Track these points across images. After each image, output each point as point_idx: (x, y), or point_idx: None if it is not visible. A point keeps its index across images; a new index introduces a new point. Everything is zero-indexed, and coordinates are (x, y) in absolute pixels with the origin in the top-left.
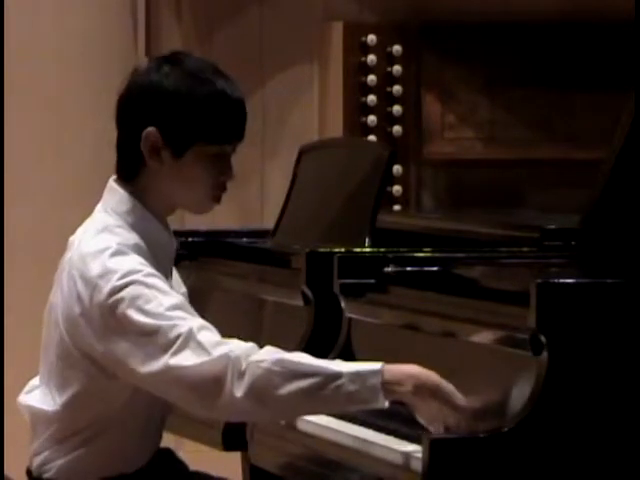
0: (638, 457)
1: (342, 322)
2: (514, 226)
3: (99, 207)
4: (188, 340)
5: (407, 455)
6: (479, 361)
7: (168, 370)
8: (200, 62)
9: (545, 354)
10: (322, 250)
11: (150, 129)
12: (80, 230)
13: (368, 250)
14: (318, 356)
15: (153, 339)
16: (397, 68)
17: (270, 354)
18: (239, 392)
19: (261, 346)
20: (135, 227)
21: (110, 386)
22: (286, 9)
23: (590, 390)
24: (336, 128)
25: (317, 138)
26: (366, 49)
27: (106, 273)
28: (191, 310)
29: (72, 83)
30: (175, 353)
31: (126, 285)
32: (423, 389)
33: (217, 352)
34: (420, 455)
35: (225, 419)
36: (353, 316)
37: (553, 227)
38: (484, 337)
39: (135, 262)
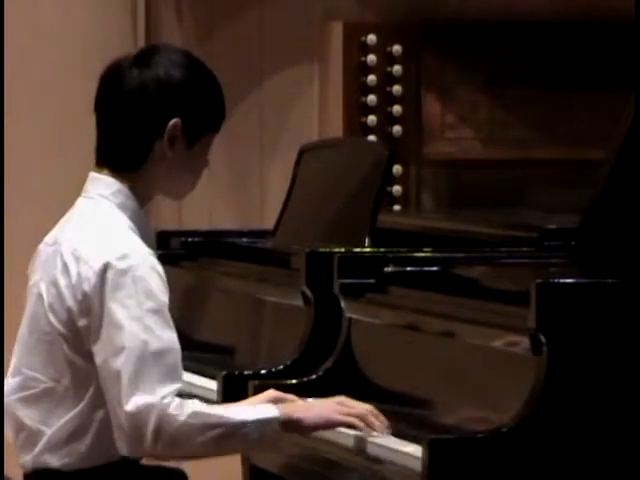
0: (638, 457)
1: (342, 322)
2: (514, 226)
3: (80, 199)
4: (145, 361)
5: (407, 455)
6: (479, 361)
7: (115, 376)
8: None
9: (545, 354)
10: (322, 250)
11: (176, 120)
12: (54, 231)
13: (368, 250)
14: (318, 356)
15: (120, 336)
16: (397, 68)
17: (185, 407)
18: (158, 442)
19: (261, 346)
20: (122, 207)
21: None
22: (286, 9)
23: (590, 390)
24: (336, 128)
25: (317, 138)
26: (366, 49)
27: (100, 251)
28: (167, 316)
29: (72, 83)
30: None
31: (116, 268)
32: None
33: (159, 393)
34: (420, 455)
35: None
36: (353, 316)
37: (553, 227)
38: (484, 337)
39: (135, 244)
